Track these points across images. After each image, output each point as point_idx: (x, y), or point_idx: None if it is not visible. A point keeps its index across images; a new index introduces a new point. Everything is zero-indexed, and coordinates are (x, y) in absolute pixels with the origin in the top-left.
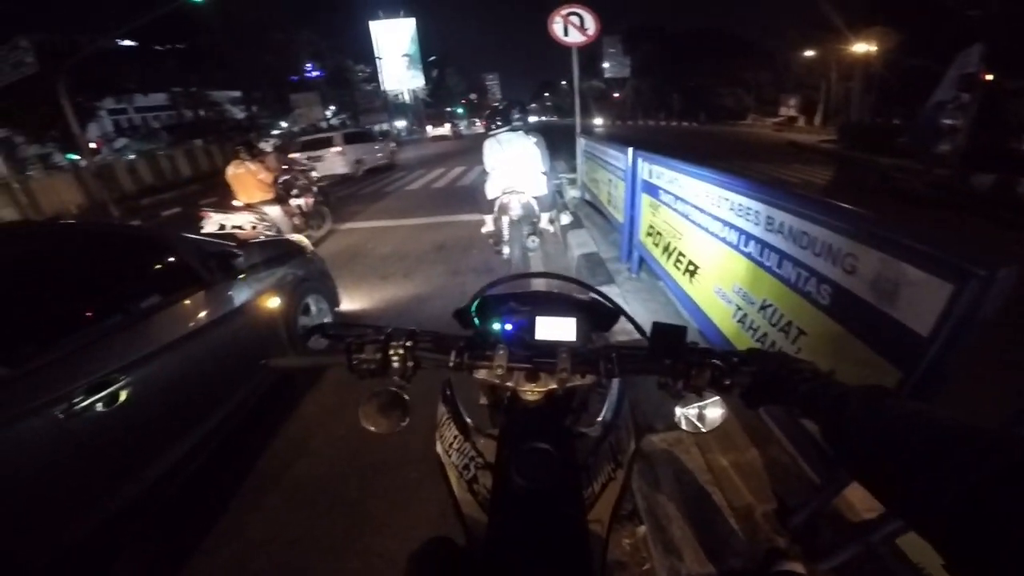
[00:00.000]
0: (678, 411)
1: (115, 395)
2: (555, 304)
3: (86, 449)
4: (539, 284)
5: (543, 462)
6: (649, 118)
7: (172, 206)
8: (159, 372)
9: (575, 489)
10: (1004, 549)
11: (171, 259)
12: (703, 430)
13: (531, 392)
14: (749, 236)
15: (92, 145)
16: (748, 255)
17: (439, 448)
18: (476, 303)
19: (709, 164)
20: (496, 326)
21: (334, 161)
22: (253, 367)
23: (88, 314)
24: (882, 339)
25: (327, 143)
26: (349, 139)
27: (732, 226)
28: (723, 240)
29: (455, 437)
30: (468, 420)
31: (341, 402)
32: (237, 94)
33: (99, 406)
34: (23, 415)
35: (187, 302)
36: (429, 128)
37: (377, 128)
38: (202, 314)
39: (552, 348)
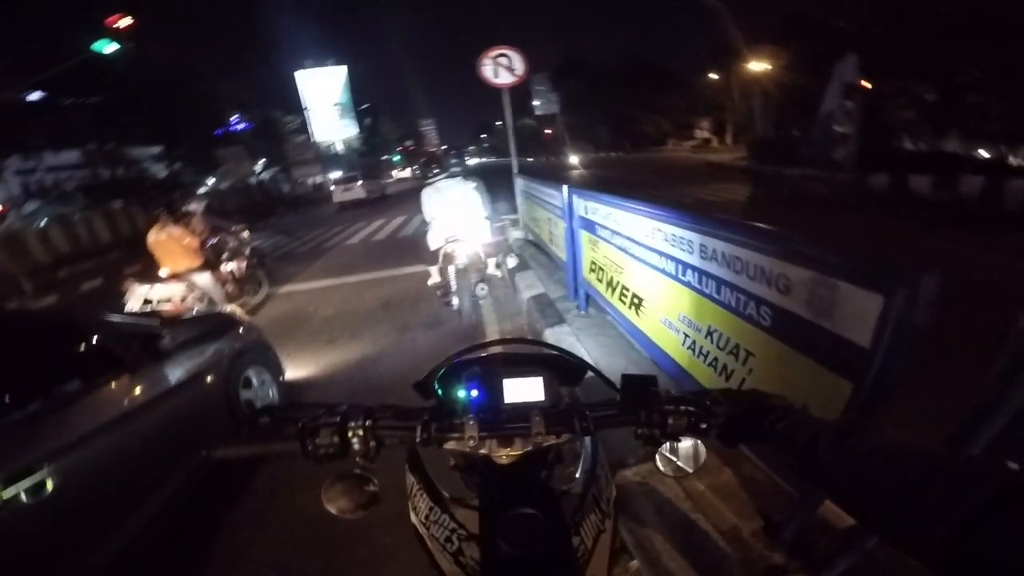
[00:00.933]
0: (659, 456)
1: (40, 484)
2: (520, 364)
3: (17, 539)
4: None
5: (530, 528)
6: (579, 151)
7: (92, 277)
8: (86, 459)
9: (568, 550)
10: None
11: (91, 343)
12: (689, 471)
13: (505, 456)
14: (686, 265)
15: None
16: (688, 284)
17: (414, 519)
18: (439, 374)
19: (637, 192)
20: (461, 394)
21: (359, 191)
22: (192, 449)
23: (4, 402)
24: (828, 354)
25: (353, 179)
26: (365, 177)
27: (669, 256)
28: (662, 271)
29: (431, 508)
30: (442, 491)
31: (296, 471)
32: (158, 150)
33: (23, 496)
34: None
35: (112, 386)
36: (334, 188)
37: (311, 181)
38: (128, 398)
39: (523, 411)
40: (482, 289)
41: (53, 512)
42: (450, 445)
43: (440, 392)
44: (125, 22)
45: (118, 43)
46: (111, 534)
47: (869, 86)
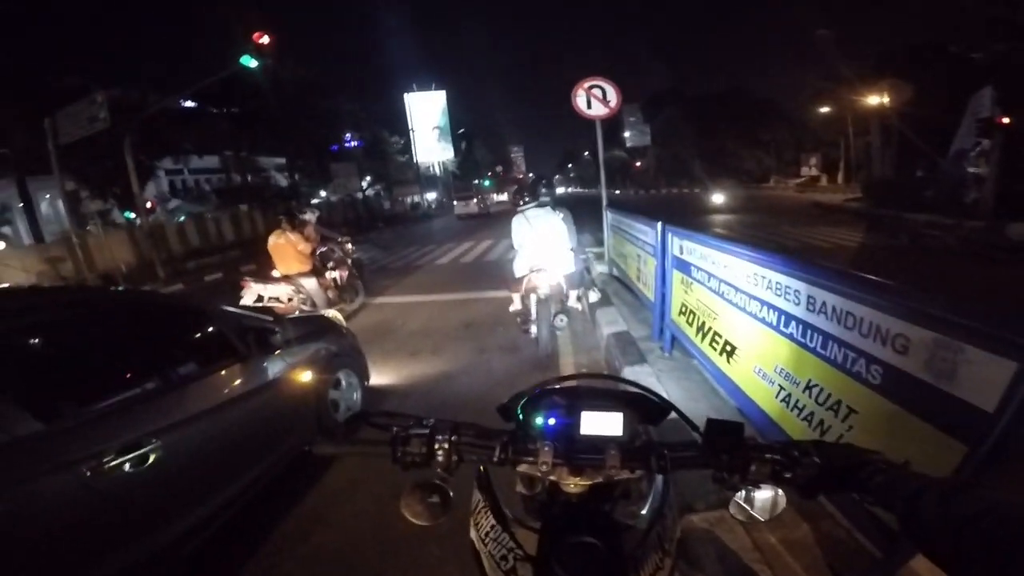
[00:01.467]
0: (733, 503)
1: (144, 457)
2: (601, 398)
3: (108, 506)
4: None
5: (589, 557)
6: (671, 186)
7: (215, 271)
8: (189, 438)
9: None
10: None
11: (211, 331)
12: (762, 520)
13: (574, 485)
14: (790, 316)
15: (148, 204)
16: (790, 336)
17: (473, 535)
18: (523, 401)
19: (738, 236)
20: (539, 420)
21: (473, 207)
22: (281, 438)
23: (127, 378)
24: (943, 416)
25: (470, 198)
26: (478, 194)
27: (771, 305)
28: (762, 320)
29: (492, 527)
30: (505, 510)
31: (365, 476)
32: (282, 161)
33: (127, 467)
34: (52, 470)
35: (223, 373)
36: (456, 203)
37: (409, 200)
38: (235, 385)
39: (598, 443)
40: (561, 320)
41: (149, 483)
42: (523, 468)
43: (521, 417)
44: (266, 39)
45: (260, 58)
46: (196, 507)
47: (1008, 122)
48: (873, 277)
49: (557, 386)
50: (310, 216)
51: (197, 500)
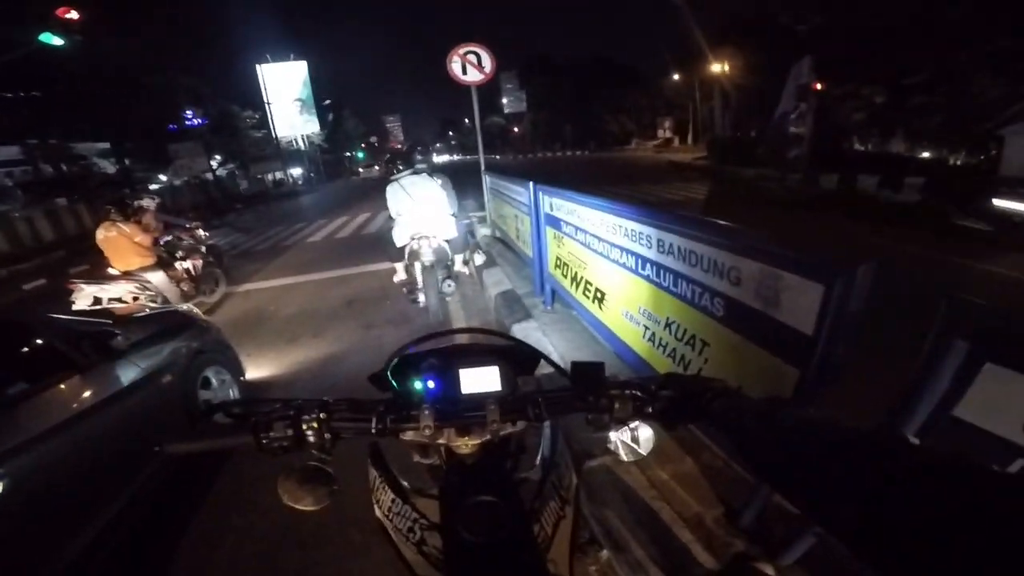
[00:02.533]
0: (613, 439)
1: None
2: (476, 354)
3: None
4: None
5: (490, 515)
6: (547, 150)
7: (35, 277)
8: (38, 462)
9: (527, 536)
10: (908, 546)
11: (36, 343)
12: (642, 453)
13: (465, 446)
14: (645, 259)
15: None
16: (647, 277)
17: (378, 512)
18: (392, 365)
19: (601, 190)
20: (417, 385)
21: (374, 172)
22: (150, 451)
23: None
24: (775, 342)
25: (371, 166)
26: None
27: (629, 251)
28: (623, 265)
29: (392, 500)
30: (403, 482)
31: (260, 471)
32: (106, 146)
33: None
34: None
35: (60, 387)
36: (361, 169)
37: (271, 177)
38: (79, 399)
39: (479, 400)
40: (449, 286)
41: (2, 517)
42: (408, 436)
43: (396, 384)
44: (74, 15)
45: (66, 36)
46: (66, 540)
47: (821, 87)
48: (708, 219)
49: (428, 347)
50: (148, 203)
51: (68, 529)
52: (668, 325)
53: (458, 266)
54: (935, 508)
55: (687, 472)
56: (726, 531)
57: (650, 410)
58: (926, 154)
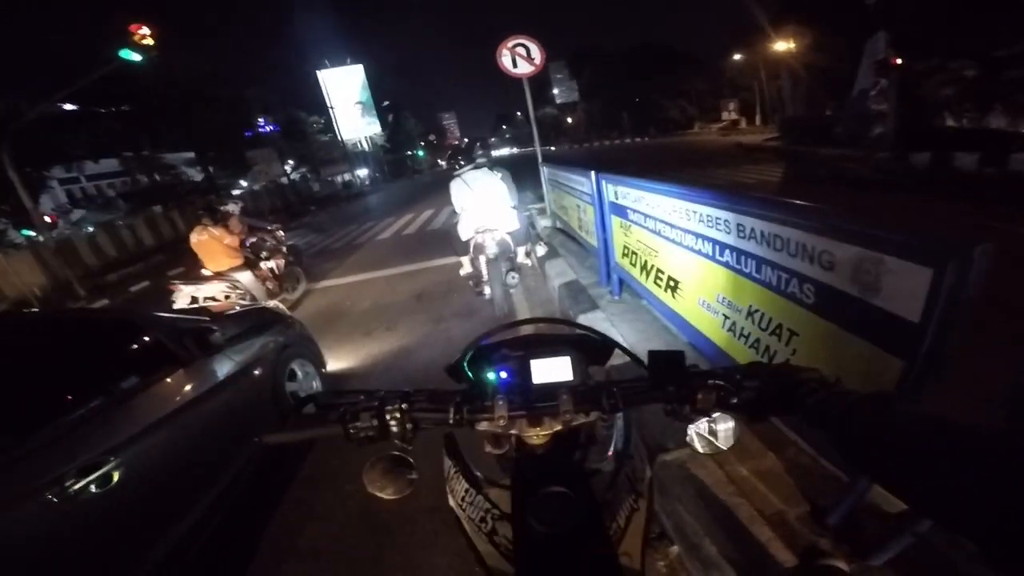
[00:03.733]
0: (691, 431)
1: (107, 476)
2: (547, 345)
3: (88, 530)
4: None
5: (561, 506)
6: (603, 138)
7: (140, 279)
8: (148, 451)
9: (598, 528)
10: None
11: (146, 340)
12: (721, 447)
13: (536, 436)
14: (723, 245)
15: (47, 219)
16: (726, 264)
17: (452, 502)
18: (468, 356)
19: (666, 176)
20: (491, 376)
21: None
22: (246, 439)
23: (66, 400)
24: (876, 331)
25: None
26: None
27: (704, 237)
28: (698, 252)
29: (466, 490)
30: (476, 472)
31: (343, 461)
32: (191, 155)
33: (93, 488)
34: (15, 499)
35: (167, 381)
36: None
37: (340, 179)
38: (183, 392)
39: (551, 390)
40: (513, 278)
41: (118, 503)
42: (482, 426)
43: (471, 375)
44: (146, 31)
45: (143, 52)
46: (173, 523)
47: (900, 62)
48: (793, 200)
49: (501, 338)
50: (232, 207)
51: (177, 513)
52: (751, 314)
53: (521, 258)
54: None
55: (769, 468)
56: (811, 529)
57: (735, 401)
58: None
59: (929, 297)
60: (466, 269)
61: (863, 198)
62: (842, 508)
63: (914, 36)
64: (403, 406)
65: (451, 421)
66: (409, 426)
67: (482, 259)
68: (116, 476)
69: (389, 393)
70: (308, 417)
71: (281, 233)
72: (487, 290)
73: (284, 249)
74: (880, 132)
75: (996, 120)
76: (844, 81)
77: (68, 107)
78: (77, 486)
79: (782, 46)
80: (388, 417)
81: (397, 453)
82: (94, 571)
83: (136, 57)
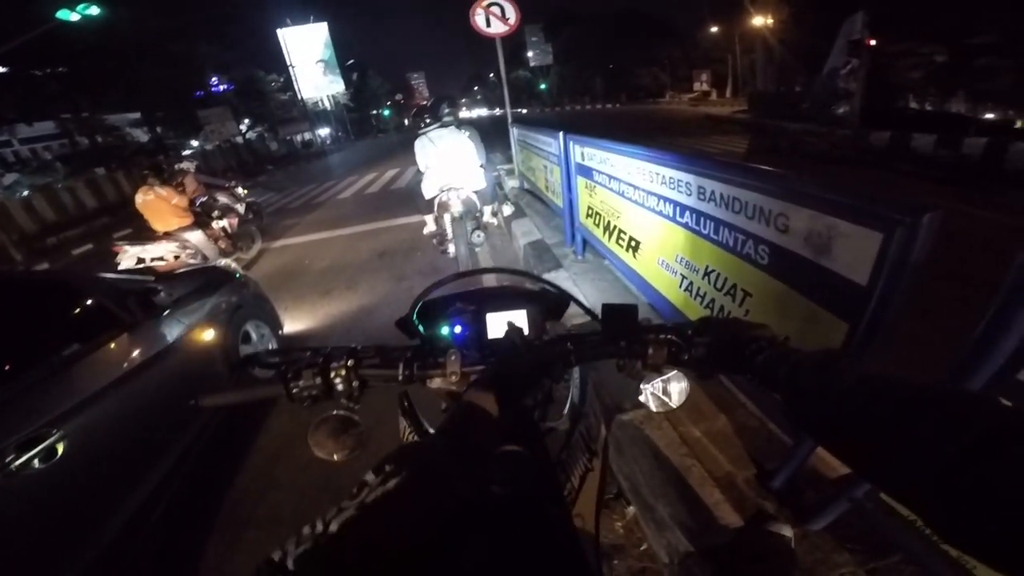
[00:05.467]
0: (643, 389)
1: (51, 450)
2: (503, 298)
3: (34, 507)
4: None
5: (515, 465)
6: (575, 103)
7: (82, 243)
8: (94, 421)
9: (554, 488)
10: (992, 519)
11: (86, 303)
12: (673, 406)
13: None
14: (684, 207)
15: None
16: (685, 225)
17: None
18: (418, 309)
19: (636, 141)
20: (444, 330)
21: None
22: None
23: (2, 369)
24: (824, 292)
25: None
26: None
27: (666, 199)
28: (659, 213)
29: None
30: (431, 430)
31: (301, 425)
32: (137, 116)
33: (36, 463)
34: None
35: (110, 346)
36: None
37: (299, 138)
38: (129, 357)
39: (506, 343)
40: (479, 237)
41: (65, 477)
42: (435, 383)
43: (424, 330)
44: None
45: (84, 11)
46: (127, 495)
47: (875, 43)
48: (754, 165)
49: (454, 290)
50: (187, 165)
51: (130, 484)
52: (707, 274)
53: (487, 217)
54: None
55: (720, 430)
56: (756, 492)
57: (686, 357)
58: (990, 115)
59: (877, 261)
60: (430, 227)
61: (819, 170)
62: (785, 472)
63: (892, 18)
64: (349, 363)
65: (400, 378)
66: (356, 384)
67: (447, 217)
68: (60, 449)
69: (334, 349)
70: (250, 377)
71: (240, 190)
72: (451, 248)
73: (239, 208)
74: (845, 110)
75: (957, 105)
76: (818, 58)
77: None
78: (18, 462)
79: (759, 20)
80: (333, 375)
81: (343, 413)
82: (44, 550)
83: (74, 17)
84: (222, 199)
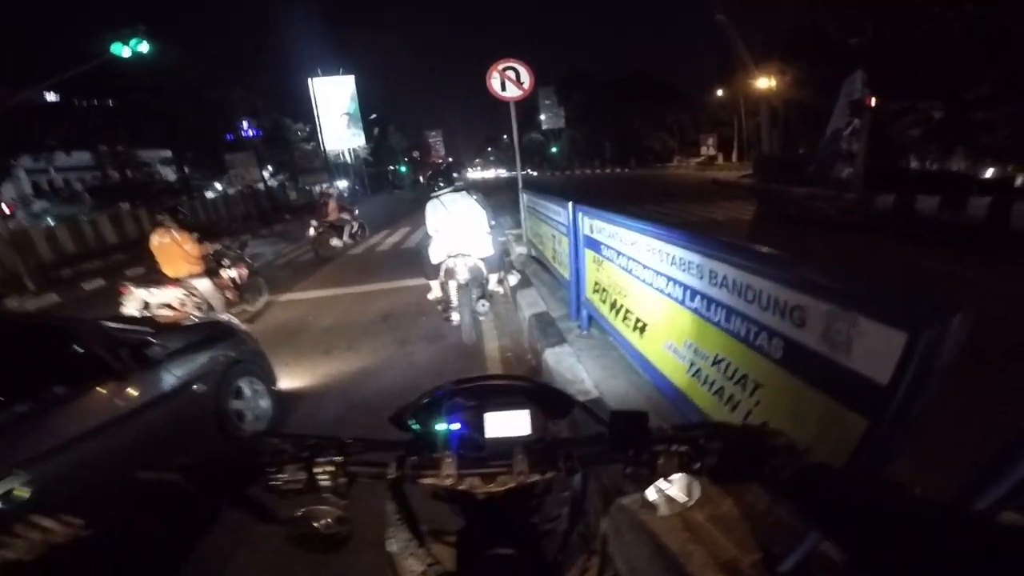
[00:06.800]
0: (653, 494)
1: (8, 494)
2: (504, 395)
3: None
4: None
5: (509, 569)
6: (585, 166)
7: (95, 277)
8: (64, 467)
9: None
10: None
11: (76, 349)
12: (681, 506)
13: (487, 493)
14: (693, 291)
15: (4, 208)
16: (695, 310)
17: (391, 548)
18: (414, 410)
19: (642, 209)
20: (440, 427)
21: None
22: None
23: None
24: (842, 389)
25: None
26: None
27: (675, 280)
28: (668, 295)
29: (408, 540)
30: (421, 524)
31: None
32: (168, 154)
33: None
34: None
35: (95, 393)
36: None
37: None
38: (113, 405)
39: (506, 447)
40: (483, 305)
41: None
42: (428, 482)
43: (418, 425)
44: (141, 29)
45: (135, 48)
46: (89, 545)
47: (874, 103)
48: (767, 249)
49: (451, 384)
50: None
51: (92, 534)
52: (717, 362)
53: (492, 285)
54: None
55: (725, 513)
56: None
57: (698, 467)
58: (990, 172)
59: (901, 361)
60: (435, 293)
61: (828, 242)
62: (793, 557)
63: (889, 76)
64: (337, 458)
65: (392, 477)
66: (343, 480)
67: (452, 284)
68: (26, 492)
69: (320, 441)
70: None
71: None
72: (455, 316)
73: (248, 260)
74: (849, 172)
75: (957, 163)
76: (821, 118)
77: (50, 98)
78: None
79: (764, 83)
80: (319, 470)
81: (329, 508)
82: None
83: (127, 53)
84: (232, 250)
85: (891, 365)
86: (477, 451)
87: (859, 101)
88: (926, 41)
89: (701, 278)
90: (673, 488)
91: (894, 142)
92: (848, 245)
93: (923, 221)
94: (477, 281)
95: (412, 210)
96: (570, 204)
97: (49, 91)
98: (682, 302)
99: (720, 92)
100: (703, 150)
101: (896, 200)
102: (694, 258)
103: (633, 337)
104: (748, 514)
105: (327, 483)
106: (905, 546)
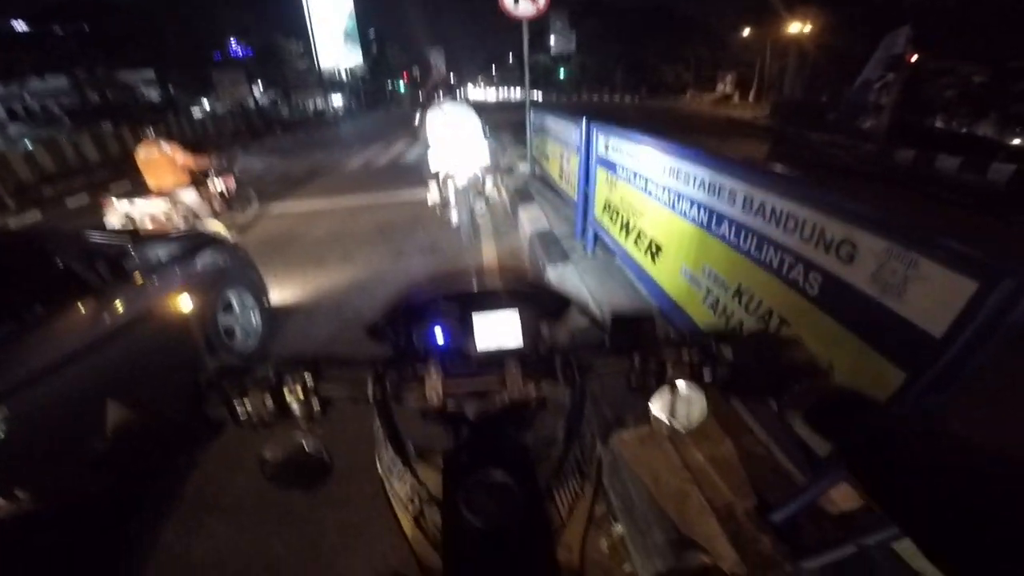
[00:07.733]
0: (653, 408)
1: None
2: (493, 297)
3: None
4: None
5: (499, 495)
6: (592, 92)
7: (78, 193)
8: (41, 396)
9: (538, 521)
10: None
11: (47, 264)
12: (682, 431)
13: (476, 409)
14: (723, 216)
15: None
16: (722, 236)
17: (380, 470)
18: (392, 316)
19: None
20: (423, 336)
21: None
22: (166, 380)
23: None
24: (884, 337)
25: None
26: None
27: (702, 205)
28: (692, 219)
29: (393, 460)
30: (407, 440)
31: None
32: (151, 74)
33: None
34: None
35: (71, 312)
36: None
37: (311, 105)
38: (90, 324)
39: (497, 358)
40: (481, 206)
41: (7, 452)
42: (412, 402)
43: (398, 336)
44: None
45: None
46: (77, 476)
47: (916, 60)
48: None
49: (434, 292)
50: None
51: (80, 464)
52: (739, 293)
53: (488, 188)
54: None
55: (724, 456)
56: (756, 525)
57: (709, 378)
58: (1016, 141)
59: (964, 313)
60: (433, 195)
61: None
62: (789, 509)
63: (938, 35)
64: (307, 380)
65: (370, 399)
66: (316, 408)
67: (451, 185)
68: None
69: (288, 362)
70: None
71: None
72: (454, 216)
73: (236, 171)
74: (873, 124)
75: (985, 127)
76: (850, 69)
77: (18, 26)
78: None
79: (796, 27)
80: (288, 396)
81: (302, 439)
82: None
83: None
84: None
85: (950, 316)
86: (465, 364)
87: (899, 56)
88: (985, 6)
89: (734, 204)
90: (676, 407)
91: (924, 100)
92: (865, 192)
93: (941, 179)
94: (475, 186)
95: (408, 125)
96: (584, 120)
97: (14, 19)
98: (707, 227)
99: (747, 32)
100: (720, 87)
101: (916, 155)
102: (728, 182)
103: (644, 260)
104: (746, 458)
105: (299, 410)
106: (976, 525)
